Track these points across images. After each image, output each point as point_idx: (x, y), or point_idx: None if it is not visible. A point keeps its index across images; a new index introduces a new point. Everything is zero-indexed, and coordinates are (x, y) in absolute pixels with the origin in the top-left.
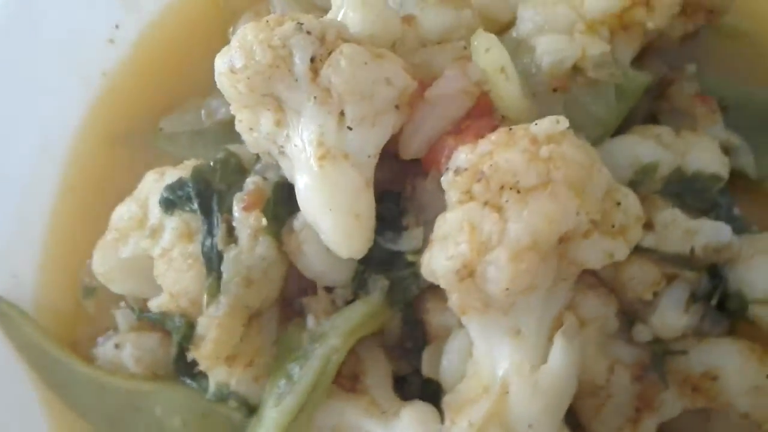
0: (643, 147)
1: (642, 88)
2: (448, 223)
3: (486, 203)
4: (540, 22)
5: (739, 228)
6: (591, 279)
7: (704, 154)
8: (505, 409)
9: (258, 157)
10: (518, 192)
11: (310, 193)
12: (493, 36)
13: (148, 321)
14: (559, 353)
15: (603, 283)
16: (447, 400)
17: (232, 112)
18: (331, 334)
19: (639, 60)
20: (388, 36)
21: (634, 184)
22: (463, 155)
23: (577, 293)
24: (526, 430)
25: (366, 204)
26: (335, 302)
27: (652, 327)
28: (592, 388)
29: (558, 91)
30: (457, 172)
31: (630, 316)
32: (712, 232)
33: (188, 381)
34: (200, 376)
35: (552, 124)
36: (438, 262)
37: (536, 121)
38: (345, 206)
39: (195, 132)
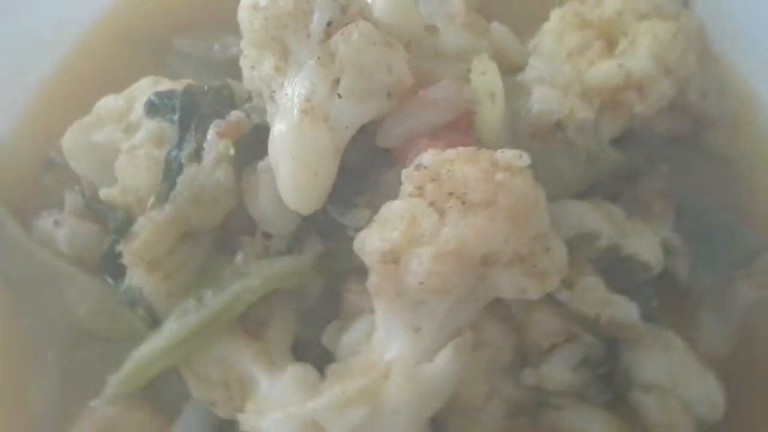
0: (592, 217)
1: (611, 164)
2: (392, 209)
3: (432, 203)
4: (544, 74)
5: (649, 317)
6: (502, 312)
7: (644, 243)
8: (379, 389)
9: (250, 98)
10: (463, 203)
11: (282, 138)
12: (493, 63)
13: (93, 211)
14: (445, 359)
15: (511, 319)
16: (332, 368)
17: (240, 47)
18: (252, 275)
19: (620, 141)
20: (404, 33)
21: (570, 244)
22: (428, 155)
23: (484, 317)
24: (390, 414)
25: (327, 167)
26: (268, 249)
27: (539, 374)
28: (466, 409)
29: (536, 138)
30: (417, 167)
31: (524, 357)
32: (622, 309)
33: (108, 279)
34: (120, 279)
35: (515, 156)
36: (371, 240)
37: (503, 149)
38: (308, 161)
39: (204, 60)
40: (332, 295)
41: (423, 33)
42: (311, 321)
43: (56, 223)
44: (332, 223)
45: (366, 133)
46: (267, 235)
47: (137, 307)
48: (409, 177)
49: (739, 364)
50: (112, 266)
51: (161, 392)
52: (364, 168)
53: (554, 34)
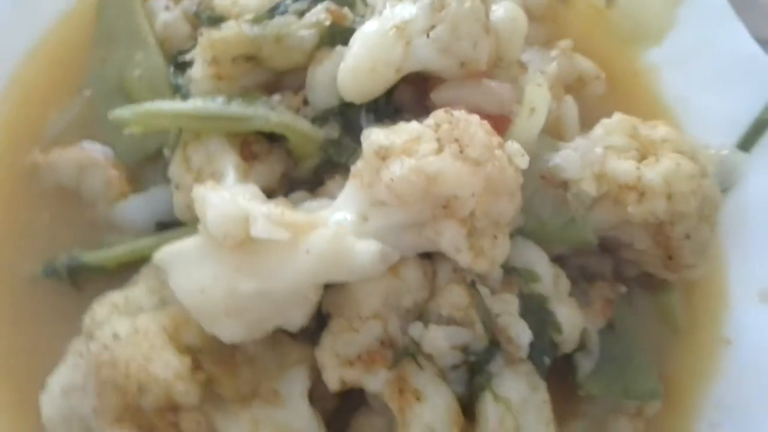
0: (545, 265)
1: (580, 241)
2: (407, 126)
3: (438, 139)
4: (578, 145)
5: (536, 351)
6: (430, 269)
7: (569, 316)
8: (307, 229)
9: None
10: (460, 151)
11: (367, 34)
12: (546, 91)
13: (196, 18)
14: (368, 248)
15: (432, 278)
16: (285, 199)
17: None
18: (276, 113)
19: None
20: (504, 44)
21: (510, 270)
22: (460, 111)
23: (415, 261)
24: (302, 252)
25: (385, 75)
26: (299, 110)
27: (424, 332)
28: (352, 313)
29: (542, 178)
30: (446, 111)
31: (421, 313)
32: (520, 329)
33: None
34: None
35: (519, 152)
36: (376, 135)
37: (514, 140)
38: (375, 58)
39: None
40: (326, 170)
41: (514, 60)
42: (293, 186)
43: (167, 8)
44: (356, 124)
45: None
46: (306, 101)
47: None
48: (435, 114)
49: None
50: (181, 64)
51: (144, 168)
52: (402, 105)
53: (606, 128)
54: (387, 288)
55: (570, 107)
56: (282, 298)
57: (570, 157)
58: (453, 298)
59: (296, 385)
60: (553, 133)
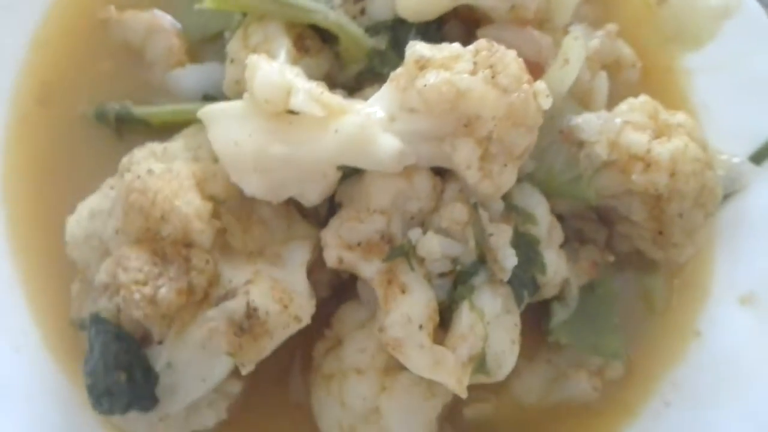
0: (544, 211)
1: (581, 198)
2: (451, 46)
3: (476, 63)
4: (600, 114)
5: (518, 280)
6: (440, 185)
7: (555, 262)
8: (340, 112)
9: None
10: (492, 77)
11: None
12: (583, 44)
13: None
14: (390, 141)
15: (439, 191)
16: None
17: None
18: (335, 13)
19: (600, 212)
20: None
21: (511, 207)
22: (503, 46)
23: (427, 173)
24: (332, 131)
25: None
26: (355, 17)
27: (421, 237)
28: (362, 204)
29: (560, 135)
30: (488, 41)
31: (423, 221)
32: (508, 255)
33: None
34: None
35: (545, 92)
36: (420, 47)
37: (543, 81)
38: None
39: None
40: (356, 87)
41: (561, 25)
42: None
43: None
44: (403, 41)
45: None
46: (363, 11)
47: None
48: (478, 42)
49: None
50: None
51: (203, 45)
52: (449, 39)
53: (630, 105)
54: (397, 189)
55: (602, 82)
56: (304, 168)
57: (590, 121)
58: (455, 213)
59: (298, 254)
60: (582, 102)
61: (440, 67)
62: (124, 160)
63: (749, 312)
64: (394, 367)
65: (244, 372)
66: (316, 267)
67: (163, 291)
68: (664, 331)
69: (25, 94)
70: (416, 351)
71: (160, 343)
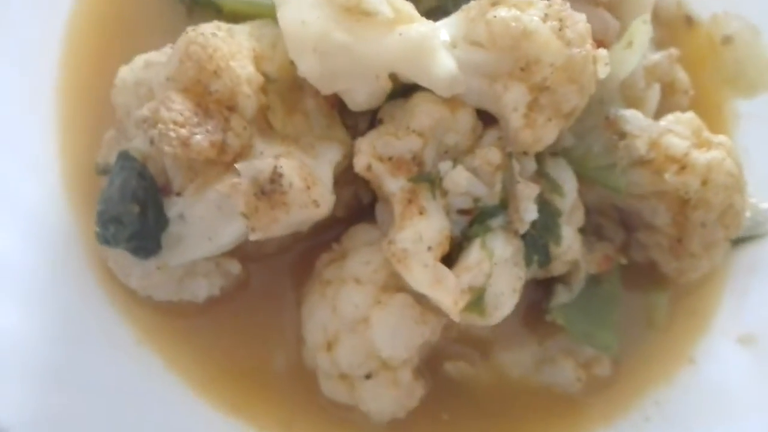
0: (570, 189)
1: (612, 186)
2: None
3: (546, 15)
4: (648, 115)
5: (532, 242)
6: (479, 128)
7: (571, 241)
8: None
9: None
10: (559, 29)
11: None
12: (650, 29)
13: None
14: (448, 63)
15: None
16: None
17: None
18: None
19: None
20: None
21: (543, 173)
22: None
23: (474, 111)
24: (396, 32)
25: None
26: None
27: (451, 169)
28: (402, 123)
29: (605, 121)
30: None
31: (456, 156)
32: (530, 208)
33: None
34: None
35: (605, 59)
36: None
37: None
38: None
39: None
40: None
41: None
42: None
43: None
44: None
45: None
46: None
47: None
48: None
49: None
50: None
51: None
52: None
53: (677, 117)
54: (440, 116)
55: (654, 93)
56: (360, 63)
57: (637, 117)
58: (489, 155)
59: (331, 152)
60: (632, 107)
61: (510, 7)
62: (189, 29)
63: (746, 352)
64: (393, 287)
65: (252, 237)
66: (340, 181)
67: (198, 137)
68: (659, 350)
69: None
70: (420, 266)
71: (179, 194)
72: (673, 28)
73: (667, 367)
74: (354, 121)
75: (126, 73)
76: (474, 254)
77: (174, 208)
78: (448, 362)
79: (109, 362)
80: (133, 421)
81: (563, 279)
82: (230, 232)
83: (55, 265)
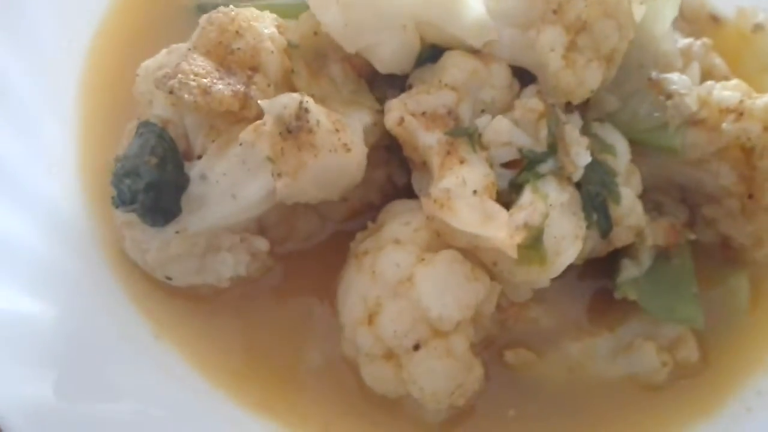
0: (622, 146)
1: (666, 146)
2: None
3: None
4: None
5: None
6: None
7: (632, 201)
8: None
9: None
10: None
11: None
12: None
13: None
14: (478, 9)
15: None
16: None
17: None
18: None
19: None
20: None
21: (591, 135)
22: None
23: (509, 67)
24: None
25: None
26: None
27: (492, 120)
28: (435, 80)
29: (648, 82)
30: None
31: (493, 109)
32: (582, 153)
33: None
34: None
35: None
36: None
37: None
38: None
39: None
40: None
41: None
42: None
43: None
44: None
45: None
46: None
47: None
48: None
49: None
50: None
51: None
52: None
53: (722, 84)
54: (473, 69)
55: (694, 71)
56: (386, 13)
57: (682, 78)
58: (530, 104)
59: (360, 115)
60: None
61: None
62: None
63: None
64: (437, 247)
65: (279, 184)
66: (372, 162)
67: (219, 86)
68: (748, 336)
69: None
70: (466, 206)
71: (200, 157)
72: (701, 27)
73: (761, 353)
74: (382, 94)
75: (149, 63)
76: (526, 197)
77: (195, 169)
78: (508, 351)
79: (126, 359)
80: (153, 420)
81: (629, 253)
82: (256, 189)
83: (72, 260)
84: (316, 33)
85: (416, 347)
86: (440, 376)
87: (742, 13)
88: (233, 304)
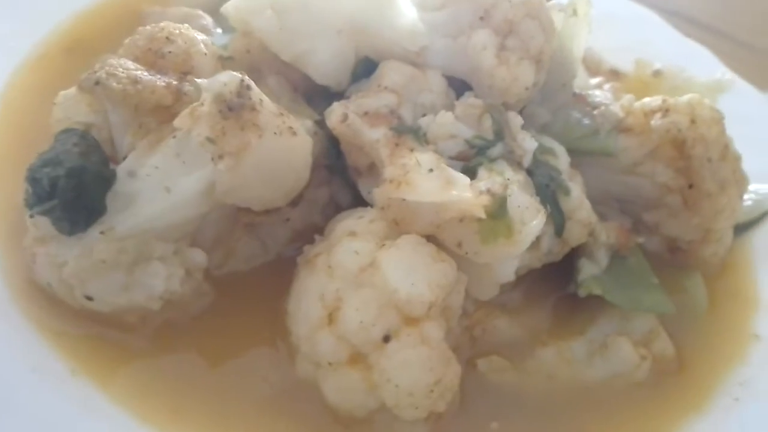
0: (561, 149)
1: (601, 150)
2: None
3: None
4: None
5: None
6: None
7: (580, 195)
8: None
9: None
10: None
11: None
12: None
13: None
14: (410, 14)
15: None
16: None
17: None
18: None
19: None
20: None
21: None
22: None
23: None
24: None
25: None
26: None
27: (431, 121)
28: (374, 84)
29: (574, 97)
30: None
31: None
32: (526, 135)
33: None
34: None
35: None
36: None
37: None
38: None
39: None
40: None
41: None
42: None
43: None
44: None
45: None
46: None
47: None
48: None
49: None
50: None
51: None
52: None
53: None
54: (411, 73)
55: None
56: (321, 18)
57: (603, 92)
58: (470, 101)
59: (300, 122)
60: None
61: None
62: None
63: None
64: (395, 237)
65: (220, 166)
66: (313, 182)
67: (148, 77)
68: (715, 333)
69: (55, 40)
70: (424, 177)
71: (125, 158)
72: (604, 80)
73: (734, 347)
74: (320, 113)
75: (68, 91)
76: (482, 173)
77: (122, 167)
78: (480, 360)
79: (41, 398)
80: None
81: (584, 253)
82: (193, 181)
83: None
84: (248, 51)
85: (386, 338)
86: (416, 367)
87: (640, 63)
88: (163, 333)
